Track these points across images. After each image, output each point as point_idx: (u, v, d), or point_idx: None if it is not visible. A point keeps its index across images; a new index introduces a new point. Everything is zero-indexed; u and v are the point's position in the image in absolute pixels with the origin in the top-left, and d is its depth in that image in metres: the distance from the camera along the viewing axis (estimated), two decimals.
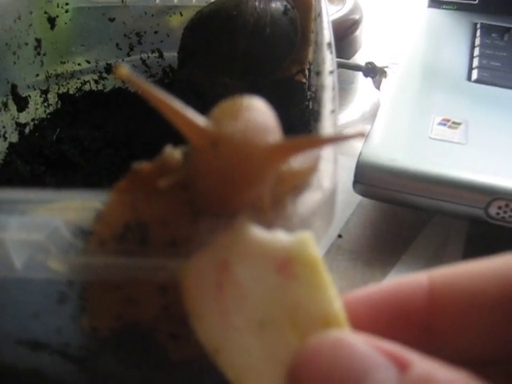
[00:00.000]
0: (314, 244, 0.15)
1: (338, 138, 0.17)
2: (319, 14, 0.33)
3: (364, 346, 0.13)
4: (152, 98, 0.15)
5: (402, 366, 0.13)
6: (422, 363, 0.13)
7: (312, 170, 0.17)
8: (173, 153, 0.16)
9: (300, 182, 0.17)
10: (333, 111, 0.21)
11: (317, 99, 0.24)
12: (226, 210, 0.16)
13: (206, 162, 0.15)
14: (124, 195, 0.16)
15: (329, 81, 0.24)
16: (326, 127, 0.20)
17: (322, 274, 0.15)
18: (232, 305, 0.15)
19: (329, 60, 0.26)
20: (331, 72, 0.25)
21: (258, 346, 0.14)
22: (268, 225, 0.16)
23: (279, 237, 0.15)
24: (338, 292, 0.15)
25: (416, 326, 0.17)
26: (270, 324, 0.15)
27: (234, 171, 0.15)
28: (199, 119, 0.15)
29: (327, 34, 0.29)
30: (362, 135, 0.14)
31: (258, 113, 0.16)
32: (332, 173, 0.18)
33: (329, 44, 0.28)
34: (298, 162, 0.17)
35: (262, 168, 0.15)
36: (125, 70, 0.14)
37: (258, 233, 0.15)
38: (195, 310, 0.15)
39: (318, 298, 0.15)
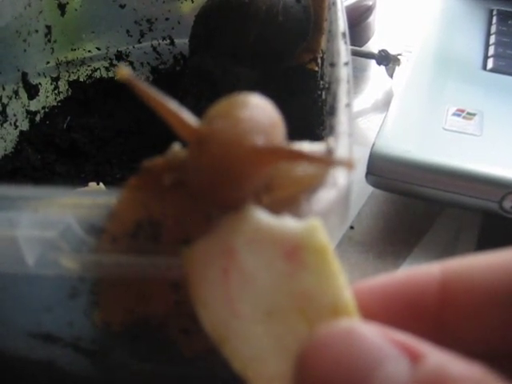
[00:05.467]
0: (323, 231, 0.15)
1: (328, 161, 0.16)
2: (333, 3, 0.32)
3: (375, 336, 0.13)
4: (148, 98, 0.15)
5: (414, 358, 0.13)
6: (435, 355, 0.13)
7: (316, 178, 0.17)
8: (178, 151, 0.16)
9: (304, 188, 0.16)
10: (348, 105, 0.21)
11: (331, 92, 0.23)
12: (212, 209, 0.15)
13: (193, 160, 0.15)
14: (136, 192, 0.16)
15: (343, 73, 0.23)
16: (342, 121, 0.20)
17: (331, 261, 0.14)
18: (238, 292, 0.15)
19: (343, 51, 0.26)
20: (346, 64, 0.24)
21: (265, 335, 0.14)
22: None
23: (288, 223, 0.15)
24: (347, 281, 0.15)
25: (427, 317, 0.16)
26: (277, 312, 0.14)
27: (216, 169, 0.15)
28: (192, 119, 0.15)
29: (342, 24, 0.29)
30: (351, 166, 0.15)
31: (253, 111, 0.15)
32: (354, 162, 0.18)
33: (343, 34, 0.28)
34: (301, 168, 0.16)
35: (243, 168, 0.15)
36: (125, 70, 0.15)
37: (265, 218, 0.15)
38: (200, 297, 0.15)
39: (328, 287, 0.14)
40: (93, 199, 0.17)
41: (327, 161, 0.16)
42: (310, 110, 0.35)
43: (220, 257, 0.15)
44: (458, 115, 0.39)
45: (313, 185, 0.17)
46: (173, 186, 0.16)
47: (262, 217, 0.15)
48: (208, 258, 0.15)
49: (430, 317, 0.16)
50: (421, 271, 0.17)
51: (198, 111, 0.16)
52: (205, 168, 0.15)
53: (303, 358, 0.13)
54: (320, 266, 0.14)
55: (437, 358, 0.13)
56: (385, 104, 0.49)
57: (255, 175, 0.15)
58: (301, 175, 0.16)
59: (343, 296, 0.14)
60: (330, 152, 0.17)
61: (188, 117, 0.15)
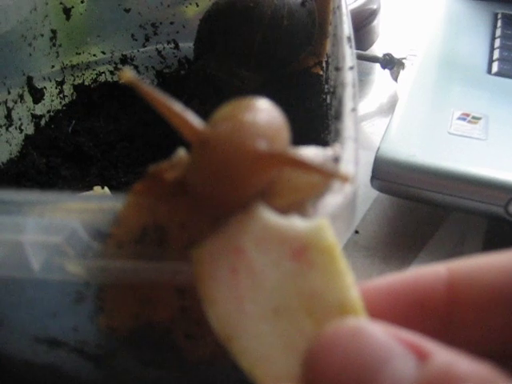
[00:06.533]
0: (330, 230, 0.15)
1: (326, 173, 0.16)
2: (338, 7, 0.32)
3: (382, 335, 0.13)
4: (153, 99, 0.15)
5: (421, 357, 0.13)
6: (442, 354, 0.13)
7: (319, 186, 0.16)
8: (184, 156, 0.16)
9: (306, 196, 0.16)
10: (353, 110, 0.21)
11: (337, 97, 0.23)
12: (215, 212, 0.15)
13: (195, 161, 0.15)
14: (141, 198, 0.16)
15: (349, 78, 0.23)
16: (347, 126, 0.20)
17: (338, 261, 0.15)
18: (246, 291, 0.15)
19: (349, 55, 0.25)
20: (351, 68, 0.24)
21: (273, 334, 0.14)
22: None
23: (295, 223, 0.15)
24: (354, 280, 0.15)
25: (434, 317, 0.16)
26: (285, 311, 0.14)
27: (217, 172, 0.15)
28: (196, 121, 0.15)
29: (346, 28, 0.29)
30: (346, 180, 0.15)
31: (258, 115, 0.15)
32: (353, 175, 0.17)
33: (348, 38, 0.28)
34: (304, 175, 0.16)
35: (244, 172, 0.15)
36: (129, 73, 0.15)
37: (273, 218, 0.15)
38: (208, 295, 0.15)
39: (335, 286, 0.14)
40: (98, 204, 0.17)
41: (326, 172, 0.16)
42: (315, 115, 0.35)
43: (228, 256, 0.15)
44: (463, 119, 0.38)
45: (316, 193, 0.17)
46: (178, 190, 0.16)
47: (269, 216, 0.15)
48: (216, 257, 0.15)
49: (437, 316, 0.16)
50: (428, 271, 0.17)
51: (203, 115, 0.16)
52: (206, 170, 0.15)
53: (311, 356, 0.14)
54: (327, 265, 0.15)
55: (444, 356, 0.13)
56: (389, 108, 0.49)
57: (256, 179, 0.15)
58: (304, 182, 0.16)
59: (350, 295, 0.14)
60: (336, 159, 0.17)
61: (192, 118, 0.15)
